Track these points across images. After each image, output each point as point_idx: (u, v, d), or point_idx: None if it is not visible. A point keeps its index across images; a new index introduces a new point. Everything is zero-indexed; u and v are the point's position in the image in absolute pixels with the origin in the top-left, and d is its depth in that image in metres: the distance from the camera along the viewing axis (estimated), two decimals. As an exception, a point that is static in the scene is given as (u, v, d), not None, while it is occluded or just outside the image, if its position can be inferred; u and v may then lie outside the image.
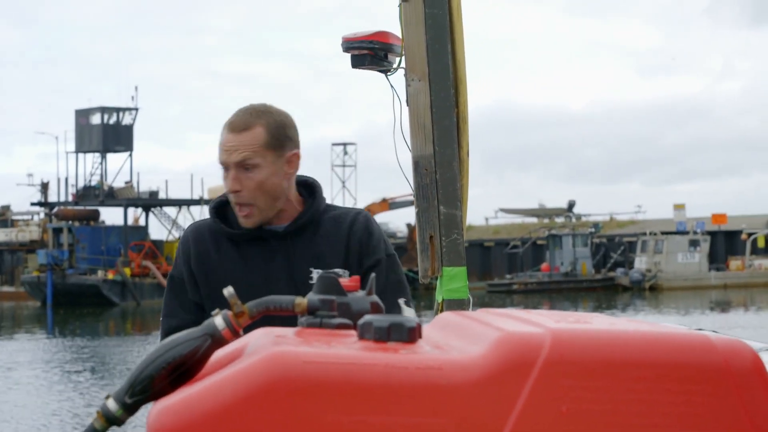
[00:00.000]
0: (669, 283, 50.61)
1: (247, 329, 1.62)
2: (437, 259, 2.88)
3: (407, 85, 3.07)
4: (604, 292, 49.68)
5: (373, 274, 1.69)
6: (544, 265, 53.65)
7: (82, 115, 59.33)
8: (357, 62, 3.15)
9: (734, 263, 53.11)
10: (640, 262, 52.37)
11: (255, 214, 2.83)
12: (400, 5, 3.08)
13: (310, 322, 1.56)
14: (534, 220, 63.22)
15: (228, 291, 1.49)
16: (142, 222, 58.22)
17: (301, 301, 1.53)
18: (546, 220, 60.92)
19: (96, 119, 58.88)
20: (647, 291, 50.09)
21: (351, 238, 2.87)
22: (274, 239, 2.87)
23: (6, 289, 58.05)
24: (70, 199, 58.62)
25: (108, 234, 55.14)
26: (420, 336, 1.55)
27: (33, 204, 60.99)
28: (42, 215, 60.69)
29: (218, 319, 1.49)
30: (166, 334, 2.74)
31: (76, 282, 51.08)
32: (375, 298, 1.59)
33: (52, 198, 60.14)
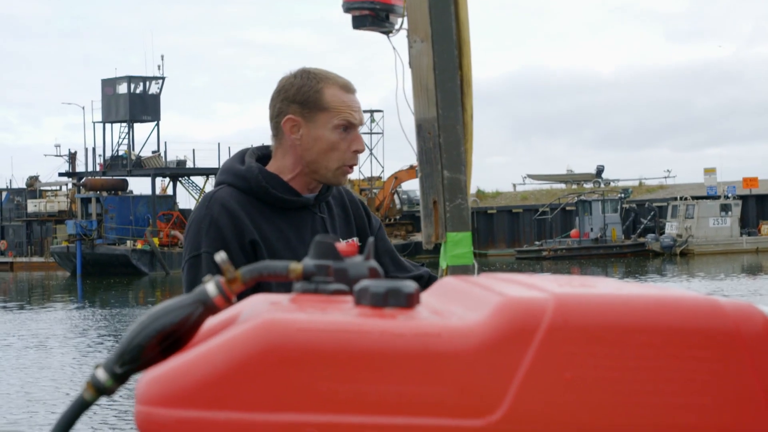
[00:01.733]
0: (700, 249, 50.35)
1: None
2: (441, 225, 2.83)
3: (410, 47, 3.02)
4: (635, 258, 49.49)
5: (371, 239, 1.65)
6: (573, 231, 53.51)
7: (109, 84, 59.52)
8: (358, 23, 3.10)
9: (766, 227, 52.73)
10: (671, 228, 52.11)
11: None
12: None
13: (305, 288, 1.53)
14: (562, 186, 62.90)
15: (219, 256, 1.45)
16: (169, 191, 58.47)
17: (296, 267, 1.50)
18: (574, 186, 60.60)
19: (123, 89, 59.07)
20: (678, 256, 49.85)
21: (359, 207, 2.94)
22: (310, 207, 2.89)
23: (36, 259, 58.54)
24: (98, 169, 58.97)
25: (136, 204, 55.46)
26: (418, 302, 1.51)
27: (61, 174, 61.40)
28: (70, 185, 61.09)
29: (210, 286, 1.45)
30: None
31: (105, 252, 51.46)
32: (373, 263, 1.55)
33: (80, 168, 60.53)
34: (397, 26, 3.09)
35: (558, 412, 1.43)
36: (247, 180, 2.83)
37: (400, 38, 3.06)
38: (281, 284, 1.60)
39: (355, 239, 2.92)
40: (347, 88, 2.83)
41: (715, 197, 52.84)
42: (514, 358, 1.43)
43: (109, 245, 52.07)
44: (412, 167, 54.26)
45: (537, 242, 54.04)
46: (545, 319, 1.44)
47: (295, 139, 2.87)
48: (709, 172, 55.90)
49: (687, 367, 1.43)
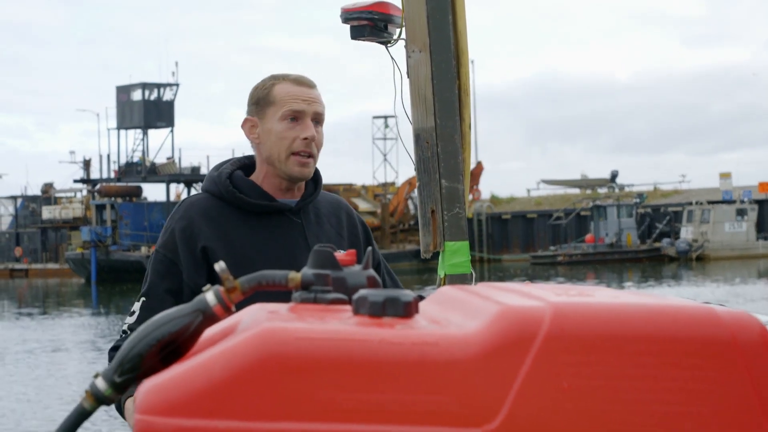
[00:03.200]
0: (716, 253, 50.17)
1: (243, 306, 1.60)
2: (439, 234, 2.84)
3: (408, 57, 3.03)
4: (650, 263, 49.34)
5: (369, 248, 1.67)
6: (588, 236, 53.38)
7: (123, 91, 59.70)
8: (356, 33, 3.12)
9: (782, 232, 52.49)
10: (687, 232, 51.96)
11: (311, 167, 2.87)
12: None
13: (304, 297, 1.54)
14: (576, 191, 62.85)
15: (219, 266, 1.46)
16: (184, 197, 58.50)
17: (295, 276, 1.51)
18: (589, 191, 60.52)
19: (137, 95, 59.25)
20: (694, 261, 49.69)
21: (356, 226, 2.96)
22: (288, 213, 2.88)
23: (51, 266, 58.72)
24: (113, 175, 59.13)
25: (150, 210, 55.57)
26: (417, 311, 1.52)
27: (76, 181, 61.58)
28: (85, 192, 61.29)
29: (209, 295, 1.47)
30: (146, 317, 2.50)
31: (120, 258, 51.58)
32: (371, 272, 1.56)
33: (95, 175, 60.70)
34: (395, 36, 3.09)
35: (555, 420, 1.43)
36: (218, 185, 2.88)
37: (399, 48, 3.07)
38: (277, 293, 1.60)
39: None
40: (298, 82, 2.86)
41: (731, 202, 52.68)
42: (512, 366, 1.43)
43: (124, 251, 52.24)
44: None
45: (552, 247, 53.97)
46: (543, 328, 1.45)
47: (254, 138, 2.92)
48: (725, 176, 55.75)
49: (684, 376, 1.44)
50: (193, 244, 2.81)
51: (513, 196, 66.83)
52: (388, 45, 3.12)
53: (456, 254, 2.82)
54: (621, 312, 1.49)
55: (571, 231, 56.48)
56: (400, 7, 3.05)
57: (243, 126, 2.95)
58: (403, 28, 3.04)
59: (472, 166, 55.57)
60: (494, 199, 64.67)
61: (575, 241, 54.25)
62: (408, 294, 1.51)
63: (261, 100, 2.89)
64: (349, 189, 58.79)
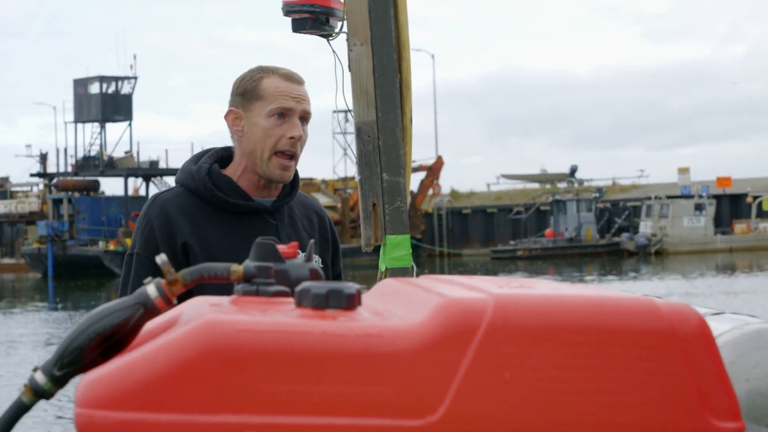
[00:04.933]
0: (675, 248, 50.59)
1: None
2: (380, 227, 2.85)
3: (349, 50, 3.02)
4: (610, 258, 49.66)
5: (312, 240, 1.67)
6: (548, 231, 53.65)
7: (81, 84, 59.21)
8: (298, 26, 3.10)
9: (739, 227, 53.09)
10: (645, 227, 52.35)
11: (291, 170, 2.83)
12: None
13: (246, 289, 1.54)
14: (536, 185, 63.12)
15: (160, 258, 1.46)
16: (142, 192, 58.21)
17: (237, 269, 1.51)
18: (548, 186, 60.82)
19: (94, 89, 58.78)
20: (653, 256, 50.07)
21: (328, 230, 2.94)
22: (264, 213, 2.85)
23: (6, 261, 58.17)
24: (70, 169, 58.63)
25: (108, 204, 55.19)
26: (359, 303, 1.52)
27: (32, 175, 61.01)
28: (41, 186, 60.74)
29: (151, 288, 1.46)
30: None
31: (77, 253, 51.18)
32: (314, 264, 1.56)
33: (51, 169, 60.17)
34: (337, 30, 3.08)
35: (497, 411, 1.44)
36: (196, 181, 2.83)
37: (341, 42, 3.06)
38: (221, 286, 1.60)
39: (316, 258, 2.90)
40: (288, 78, 2.81)
41: (689, 197, 53.11)
42: (454, 358, 1.44)
43: (81, 246, 51.82)
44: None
45: (512, 242, 54.14)
46: (484, 319, 1.45)
47: (237, 131, 2.86)
48: (683, 171, 56.17)
49: (624, 367, 1.45)
50: (173, 241, 2.76)
51: (473, 191, 66.98)
52: (330, 38, 3.10)
53: (397, 248, 2.83)
54: (562, 304, 1.50)
55: (531, 225, 56.72)
56: (342, 0, 3.04)
57: (226, 117, 2.88)
58: (345, 22, 3.03)
59: (433, 161, 55.26)
60: (454, 194, 64.81)
61: (535, 236, 54.51)
62: (351, 286, 1.51)
63: (248, 93, 2.83)
64: (309, 183, 58.68)
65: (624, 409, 1.45)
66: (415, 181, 53.72)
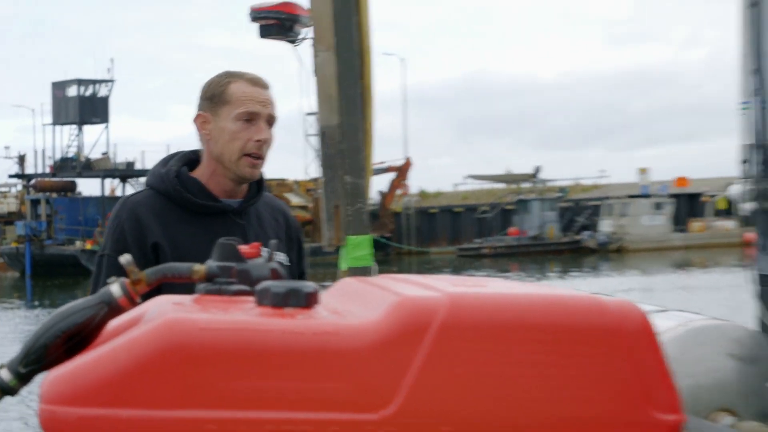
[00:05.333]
0: (634, 245, 50.88)
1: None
2: (342, 228, 2.86)
3: (315, 56, 3.03)
4: (571, 255, 49.86)
5: (274, 240, 1.67)
6: (512, 230, 53.80)
7: (59, 87, 58.83)
8: (264, 32, 3.13)
9: (695, 225, 53.43)
10: (606, 225, 52.60)
11: (260, 168, 2.84)
12: None
13: (208, 289, 1.54)
14: (501, 185, 63.26)
15: (124, 258, 1.46)
16: (119, 193, 57.88)
17: (200, 268, 1.51)
18: (513, 186, 60.97)
19: (72, 91, 58.40)
20: (613, 253, 50.31)
21: (293, 230, 2.94)
22: (232, 214, 2.85)
23: (-15, 260, 57.69)
24: (48, 171, 58.24)
25: (86, 205, 54.85)
26: (317, 302, 1.52)
27: (11, 176, 60.55)
28: (20, 187, 60.30)
29: (115, 287, 1.46)
30: None
31: (55, 252, 50.83)
32: (275, 264, 1.57)
33: (30, 170, 59.73)
34: (302, 36, 3.10)
35: (450, 406, 1.45)
36: (165, 183, 2.83)
37: (306, 47, 3.08)
38: (189, 286, 1.60)
39: (283, 255, 2.90)
40: (254, 82, 2.82)
41: (648, 196, 53.42)
42: (408, 354, 1.45)
43: (59, 246, 51.47)
44: (356, 168, 54.16)
45: (477, 240, 54.20)
46: (438, 317, 1.46)
47: (205, 134, 2.86)
48: (643, 171, 56.50)
49: (571, 362, 1.46)
50: (143, 241, 2.75)
51: (440, 191, 67.08)
52: (296, 44, 3.11)
53: (358, 247, 2.84)
54: (514, 302, 1.51)
55: (496, 224, 56.86)
56: (308, 8, 3.04)
57: (195, 120, 2.89)
58: (311, 28, 3.03)
59: (402, 162, 54.94)
60: (422, 194, 64.86)
61: (500, 234, 54.64)
62: (310, 285, 1.52)
63: (215, 97, 2.84)
64: (281, 184, 58.54)
65: (570, 403, 1.46)
66: (384, 181, 53.71)
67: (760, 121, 3.15)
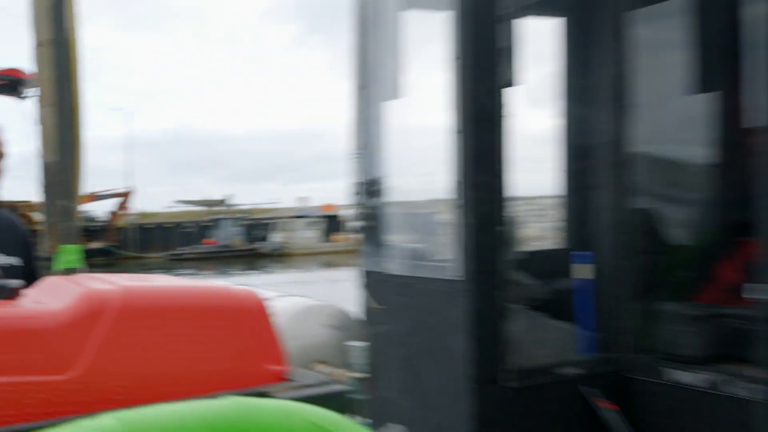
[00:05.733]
0: (296, 251, 51.85)
1: None
2: (57, 239, 2.78)
3: (40, 109, 2.92)
4: (251, 258, 49.91)
5: None
6: (208, 240, 53.20)
7: None
8: (-4, 91, 2.94)
9: (336, 237, 55.39)
10: (276, 237, 53.28)
11: None
12: (35, 48, 2.93)
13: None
14: (202, 208, 62.22)
15: None
16: None
17: None
18: (210, 208, 60.15)
19: None
20: (281, 257, 50.93)
21: (28, 237, 2.76)
22: None
23: None
24: None
25: None
26: (20, 295, 1.46)
27: None
28: None
29: None
30: None
31: None
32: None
33: None
34: (29, 94, 2.95)
35: (124, 368, 1.44)
36: None
37: (31, 103, 2.96)
38: None
39: (16, 260, 2.72)
40: None
41: (306, 217, 54.79)
42: (89, 331, 1.42)
43: None
44: (92, 194, 51.28)
45: (182, 248, 53.10)
46: (113, 304, 1.45)
47: None
48: (303, 199, 57.82)
49: (210, 333, 1.49)
50: None
51: (156, 212, 64.94)
52: (23, 99, 2.95)
53: (68, 253, 2.74)
54: (170, 292, 1.53)
55: (197, 236, 55.94)
56: (31, 71, 2.94)
57: None
58: (36, 89, 2.90)
59: (126, 189, 52.39)
60: (142, 214, 62.49)
61: (198, 244, 53.82)
62: (15, 283, 1.46)
63: None
64: (27, 205, 54.16)
65: (209, 361, 1.49)
66: (112, 204, 51.48)
67: (367, 166, 3.35)
